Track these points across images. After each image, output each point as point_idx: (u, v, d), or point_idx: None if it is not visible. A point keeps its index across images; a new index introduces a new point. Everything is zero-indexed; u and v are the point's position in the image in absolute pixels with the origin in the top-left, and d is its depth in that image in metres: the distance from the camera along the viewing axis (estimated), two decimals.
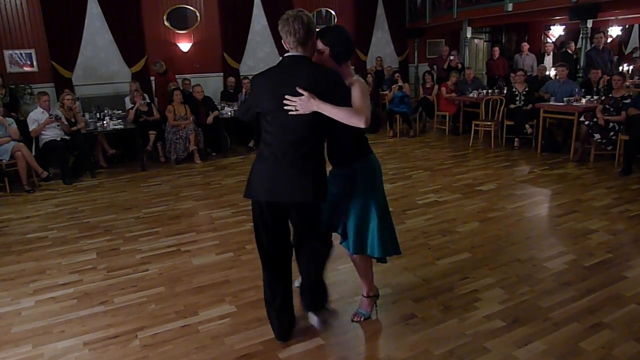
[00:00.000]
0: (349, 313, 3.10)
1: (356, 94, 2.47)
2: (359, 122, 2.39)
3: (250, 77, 9.45)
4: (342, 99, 2.43)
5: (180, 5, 9.99)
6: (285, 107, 2.39)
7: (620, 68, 9.64)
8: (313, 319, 2.90)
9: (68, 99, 7.20)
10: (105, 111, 7.97)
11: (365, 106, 2.44)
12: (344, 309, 3.16)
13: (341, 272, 3.69)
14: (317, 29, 2.53)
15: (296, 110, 2.38)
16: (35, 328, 3.07)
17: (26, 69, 9.00)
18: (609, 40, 11.10)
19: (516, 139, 7.85)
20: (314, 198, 2.49)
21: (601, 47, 8.61)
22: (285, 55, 2.51)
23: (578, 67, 8.68)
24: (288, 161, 2.45)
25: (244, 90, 9.29)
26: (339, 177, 2.69)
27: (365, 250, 2.80)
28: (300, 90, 2.37)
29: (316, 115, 2.39)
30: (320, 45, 2.56)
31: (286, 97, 2.38)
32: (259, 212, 2.59)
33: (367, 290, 3.03)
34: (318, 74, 2.47)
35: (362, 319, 3.01)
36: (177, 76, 9.66)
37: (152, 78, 9.71)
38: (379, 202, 2.74)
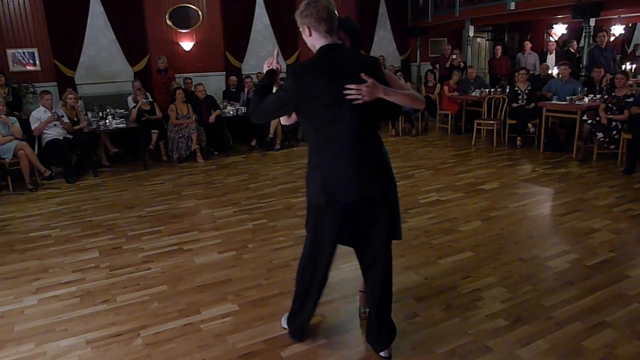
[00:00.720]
0: (351, 312, 3.10)
1: (395, 79, 2.45)
2: (421, 104, 2.43)
3: (252, 76, 9.58)
4: (385, 84, 2.32)
5: (183, 4, 9.99)
6: (348, 97, 2.20)
7: (623, 67, 9.60)
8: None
9: (70, 98, 7.21)
10: (108, 110, 7.97)
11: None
12: (345, 308, 3.16)
13: (344, 270, 3.69)
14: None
15: (362, 99, 2.21)
16: (38, 326, 3.08)
17: (29, 67, 9.01)
18: (612, 39, 11.07)
19: (518, 138, 7.84)
20: (388, 185, 2.46)
21: (604, 45, 8.59)
22: (324, 45, 2.29)
23: (581, 65, 8.65)
24: (363, 153, 2.32)
25: (246, 89, 9.30)
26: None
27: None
28: (365, 77, 2.21)
29: (378, 102, 2.27)
30: (341, 35, 2.46)
31: (348, 87, 2.19)
32: (329, 214, 2.38)
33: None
34: (365, 60, 2.38)
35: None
36: (178, 75, 9.66)
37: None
38: (395, 187, 2.62)
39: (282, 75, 2.59)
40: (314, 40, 2.32)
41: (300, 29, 2.33)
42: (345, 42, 2.47)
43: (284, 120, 2.57)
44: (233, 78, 9.75)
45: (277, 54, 2.58)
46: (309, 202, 2.52)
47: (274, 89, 2.50)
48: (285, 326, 2.87)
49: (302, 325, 2.76)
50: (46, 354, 2.79)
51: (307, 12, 2.25)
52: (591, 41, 8.39)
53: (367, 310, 2.73)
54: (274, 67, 2.50)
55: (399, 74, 9.73)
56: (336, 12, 2.32)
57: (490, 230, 4.43)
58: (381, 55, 11.90)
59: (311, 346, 2.76)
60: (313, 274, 2.58)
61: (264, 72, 2.53)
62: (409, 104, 2.38)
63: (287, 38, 10.85)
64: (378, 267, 2.51)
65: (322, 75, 2.24)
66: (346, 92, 2.20)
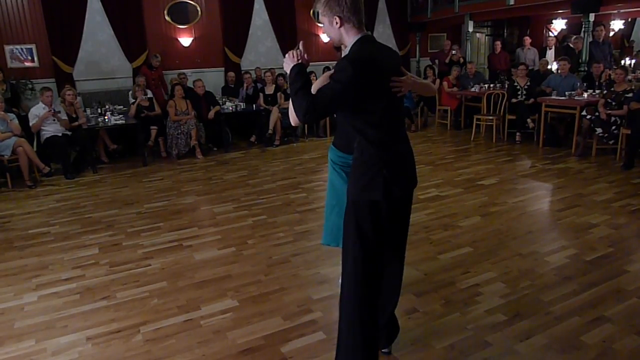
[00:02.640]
0: None
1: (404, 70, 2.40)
2: (434, 92, 2.69)
3: (251, 71, 9.56)
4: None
5: (181, 0, 9.96)
6: (393, 90, 2.16)
7: (623, 62, 9.58)
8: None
9: (69, 94, 7.20)
10: (107, 106, 7.96)
11: None
12: None
13: None
14: None
15: (402, 92, 2.20)
16: (38, 323, 3.09)
17: (27, 64, 8.98)
18: (611, 34, 11.03)
19: (518, 134, 7.84)
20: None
21: (601, 40, 8.56)
22: (360, 37, 2.14)
23: (580, 61, 8.64)
24: (408, 145, 2.32)
25: (245, 85, 9.28)
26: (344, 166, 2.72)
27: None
28: (404, 70, 2.24)
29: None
30: None
31: (393, 79, 2.15)
32: (384, 211, 2.17)
33: None
34: (396, 53, 2.36)
35: None
36: (177, 71, 9.64)
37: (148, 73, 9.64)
38: None
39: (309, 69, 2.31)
40: (346, 32, 2.15)
41: (325, 20, 2.17)
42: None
43: (293, 120, 2.23)
44: (231, 74, 9.73)
45: (303, 46, 2.24)
46: (355, 201, 2.20)
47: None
48: None
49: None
50: (46, 350, 2.80)
51: (340, 1, 2.09)
52: (590, 36, 8.36)
53: None
54: (303, 61, 2.17)
55: None
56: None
57: (490, 225, 4.44)
58: None
59: (311, 342, 2.76)
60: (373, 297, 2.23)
61: (289, 68, 2.15)
62: (428, 93, 2.59)
63: (286, 34, 10.83)
64: (398, 265, 2.48)
65: (375, 67, 2.11)
66: (392, 84, 2.15)
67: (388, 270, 2.41)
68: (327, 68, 10.48)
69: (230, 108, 8.36)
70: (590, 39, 8.43)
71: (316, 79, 2.44)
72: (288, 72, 2.16)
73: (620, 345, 2.63)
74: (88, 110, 7.98)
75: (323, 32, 11.52)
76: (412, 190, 2.33)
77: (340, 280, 2.40)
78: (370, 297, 2.21)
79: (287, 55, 2.19)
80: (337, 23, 2.12)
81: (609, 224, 4.37)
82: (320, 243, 3.49)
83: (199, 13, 10.16)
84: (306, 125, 8.79)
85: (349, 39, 2.16)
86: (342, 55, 2.17)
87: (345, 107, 2.15)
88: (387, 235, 2.26)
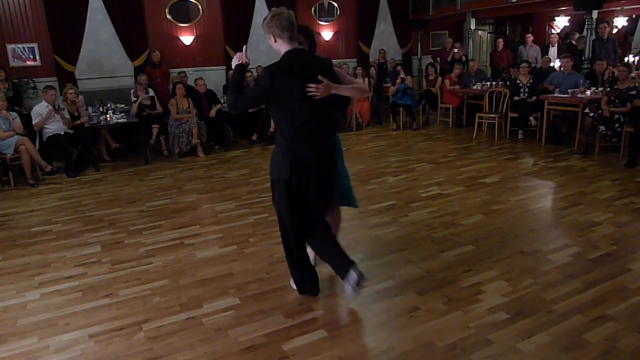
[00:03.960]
0: (352, 305, 3.11)
1: (344, 75, 2.97)
2: (366, 93, 3.13)
3: (252, 70, 9.55)
4: (338, 81, 2.87)
5: None
6: (308, 94, 2.71)
7: (626, 59, 9.54)
8: (352, 279, 2.90)
9: (71, 93, 7.20)
10: (109, 105, 7.96)
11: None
12: (347, 301, 3.16)
13: None
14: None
15: (319, 95, 2.72)
16: (41, 320, 3.09)
17: (29, 63, 8.99)
18: (614, 31, 10.99)
19: (520, 131, 7.82)
20: (335, 162, 3.05)
21: (605, 37, 8.50)
22: (288, 50, 2.76)
23: (583, 58, 8.61)
24: (322, 135, 2.88)
25: (246, 83, 9.24)
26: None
27: (347, 203, 3.36)
28: (321, 78, 2.72)
29: (332, 96, 2.79)
30: (301, 39, 2.93)
31: (308, 85, 2.69)
32: (288, 184, 2.85)
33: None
34: (322, 62, 2.89)
35: None
36: (178, 69, 9.62)
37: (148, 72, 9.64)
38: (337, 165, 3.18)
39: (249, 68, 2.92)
40: (279, 46, 2.79)
41: (268, 36, 2.78)
42: (304, 44, 2.98)
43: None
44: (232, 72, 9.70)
45: (246, 50, 2.92)
46: (272, 178, 2.94)
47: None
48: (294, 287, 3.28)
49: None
50: (49, 347, 2.80)
51: (272, 23, 2.71)
52: (594, 33, 8.33)
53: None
54: (244, 62, 2.86)
55: (399, 67, 9.69)
56: (295, 21, 2.78)
57: (492, 223, 4.43)
58: (382, 49, 11.88)
59: (313, 340, 2.76)
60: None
61: (233, 66, 2.89)
62: (358, 95, 3.04)
63: None
64: (320, 224, 3.13)
65: (290, 74, 2.72)
66: (307, 89, 2.69)
67: (315, 227, 3.08)
68: None
69: None
70: (594, 37, 8.40)
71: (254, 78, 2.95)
72: (233, 68, 2.89)
73: (624, 344, 2.62)
74: (90, 109, 7.99)
75: (322, 31, 11.54)
76: (324, 173, 2.95)
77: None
78: (287, 238, 3.06)
79: (236, 55, 2.89)
80: (273, 39, 2.77)
81: (612, 222, 4.35)
82: None
83: (200, 11, 10.16)
84: None
85: (282, 50, 2.78)
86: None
87: (261, 103, 2.94)
88: (300, 205, 2.93)
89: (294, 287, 3.26)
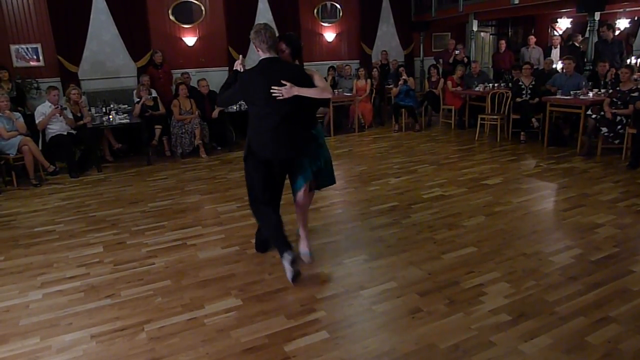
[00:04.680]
0: (354, 306, 3.11)
1: (318, 77, 3.44)
2: (328, 94, 3.46)
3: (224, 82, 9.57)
4: (307, 84, 3.37)
5: (185, 0, 9.97)
6: (273, 95, 3.27)
7: (628, 61, 9.52)
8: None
9: (74, 94, 7.23)
10: (111, 105, 7.99)
11: (328, 84, 3.65)
12: (349, 303, 3.17)
13: (346, 265, 3.70)
14: (277, 35, 3.43)
15: (282, 96, 3.27)
16: (43, 321, 3.10)
17: (32, 63, 9.02)
18: (617, 32, 10.96)
19: (522, 133, 7.81)
20: (299, 154, 3.56)
21: (610, 39, 8.45)
22: (263, 58, 3.37)
23: (585, 60, 8.59)
24: (281, 131, 3.39)
25: None
26: (310, 138, 3.64)
27: (321, 185, 3.87)
28: (284, 82, 3.26)
29: (296, 97, 3.31)
30: (282, 46, 3.47)
31: (273, 87, 3.25)
32: (259, 168, 3.50)
33: (306, 231, 3.86)
34: (290, 68, 3.44)
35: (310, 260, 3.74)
36: (181, 70, 9.64)
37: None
38: (326, 150, 3.80)
39: None
40: (260, 54, 3.39)
41: (253, 45, 3.39)
42: (285, 50, 3.49)
43: None
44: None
45: (242, 59, 3.55)
46: (245, 161, 3.64)
47: None
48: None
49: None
50: (51, 348, 2.81)
51: (254, 37, 3.33)
52: (596, 35, 8.30)
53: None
54: (239, 69, 3.49)
55: (401, 69, 9.69)
56: (275, 34, 3.38)
57: (494, 225, 4.42)
58: (384, 50, 11.89)
59: (315, 341, 2.76)
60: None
61: (233, 69, 3.59)
62: (318, 96, 3.41)
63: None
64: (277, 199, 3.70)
65: (258, 78, 3.35)
66: (272, 91, 3.26)
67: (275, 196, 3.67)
68: (332, 67, 10.48)
69: (234, 107, 8.36)
70: (596, 39, 8.38)
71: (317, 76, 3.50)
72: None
73: (626, 346, 2.61)
74: (93, 110, 8.00)
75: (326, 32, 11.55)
76: (283, 159, 3.52)
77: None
78: (255, 203, 3.63)
79: (237, 61, 3.54)
80: (256, 49, 3.39)
81: (615, 223, 4.34)
82: (324, 242, 4.03)
83: (203, 12, 10.17)
84: None
85: (260, 57, 3.39)
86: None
87: (237, 101, 4.19)
88: (263, 178, 3.52)
89: (289, 258, 3.44)
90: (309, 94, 3.36)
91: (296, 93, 3.29)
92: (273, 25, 10.61)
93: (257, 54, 3.41)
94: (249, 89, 3.38)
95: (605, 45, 8.33)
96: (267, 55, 3.36)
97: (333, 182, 3.92)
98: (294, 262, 3.34)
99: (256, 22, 10.37)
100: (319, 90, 3.40)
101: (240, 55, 3.66)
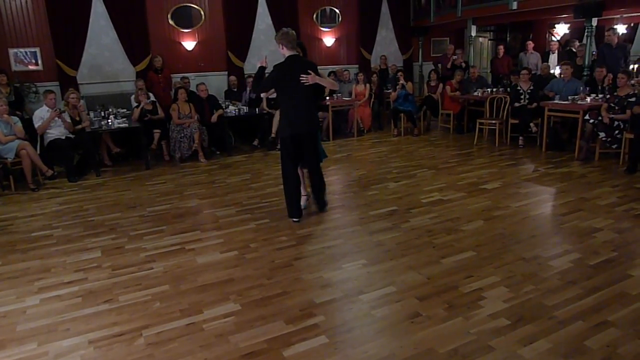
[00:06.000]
0: (353, 311, 3.11)
1: (323, 74, 4.78)
2: (337, 87, 5.37)
3: (254, 75, 9.59)
4: (319, 76, 4.62)
5: (185, 4, 9.98)
6: (301, 81, 4.47)
7: (631, 67, 9.53)
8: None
9: (73, 98, 7.22)
10: (110, 110, 7.98)
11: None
12: (348, 307, 3.16)
13: (346, 270, 3.70)
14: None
15: (308, 82, 4.48)
16: (40, 326, 3.08)
17: (31, 67, 9.01)
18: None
19: (521, 138, 7.82)
20: (316, 128, 4.87)
21: (615, 43, 8.43)
22: (289, 55, 4.56)
23: (583, 65, 8.61)
24: (305, 110, 4.61)
25: (248, 88, 9.30)
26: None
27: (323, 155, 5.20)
28: (309, 71, 4.50)
29: (314, 84, 4.56)
30: (297, 49, 4.67)
31: (301, 76, 4.47)
32: (288, 142, 4.62)
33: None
34: (309, 62, 4.74)
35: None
36: (180, 75, 9.65)
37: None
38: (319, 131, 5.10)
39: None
40: (285, 52, 4.55)
41: (278, 46, 4.58)
42: (300, 52, 4.72)
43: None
44: (233, 78, 9.77)
45: (266, 58, 4.87)
46: (280, 136, 4.88)
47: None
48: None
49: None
50: (48, 353, 2.79)
51: (282, 37, 4.53)
52: (593, 41, 8.32)
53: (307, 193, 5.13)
54: (264, 65, 4.79)
55: (399, 73, 9.71)
56: (296, 37, 4.64)
57: (493, 229, 4.42)
58: (383, 55, 11.92)
59: (314, 346, 2.75)
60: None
61: (257, 67, 4.83)
62: (330, 86, 5.15)
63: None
64: (312, 169, 4.89)
65: (288, 69, 4.54)
66: (300, 78, 4.47)
67: (309, 171, 4.94)
68: (332, 72, 10.48)
69: (234, 112, 8.37)
70: (593, 44, 8.38)
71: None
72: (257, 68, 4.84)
73: (625, 350, 2.61)
74: (91, 114, 8.01)
75: (325, 37, 11.58)
76: (303, 135, 4.61)
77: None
78: (287, 176, 4.76)
79: (261, 60, 4.86)
80: (281, 47, 4.56)
81: (613, 228, 4.35)
82: (323, 247, 4.07)
83: (203, 17, 10.19)
84: None
85: (286, 55, 4.56)
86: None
87: (271, 87, 4.79)
88: (296, 153, 4.67)
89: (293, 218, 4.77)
90: (325, 83, 4.83)
91: (317, 81, 4.54)
92: (272, 29, 10.79)
93: (279, 51, 4.58)
94: (282, 78, 4.52)
95: (610, 49, 8.32)
96: (291, 53, 4.54)
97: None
98: (296, 221, 4.73)
99: (255, 27, 10.66)
100: (331, 82, 5.18)
101: (265, 55, 5.11)
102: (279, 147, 9.05)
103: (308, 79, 4.43)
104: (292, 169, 4.68)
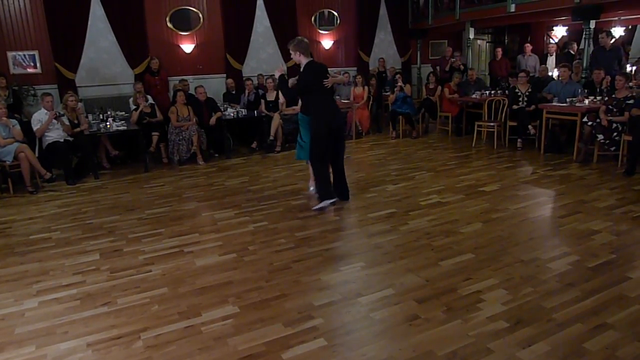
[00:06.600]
0: (351, 314, 3.11)
1: (331, 75, 5.30)
2: (345, 80, 7.74)
3: (253, 78, 9.63)
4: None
5: (183, 7, 10.01)
6: (324, 84, 5.02)
7: (628, 68, 9.55)
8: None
9: (71, 100, 7.22)
10: (109, 112, 7.98)
11: None
12: (346, 310, 3.16)
13: (344, 272, 3.69)
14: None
15: (328, 85, 5.07)
16: (39, 329, 3.08)
17: (29, 70, 9.02)
18: (612, 40, 11.02)
19: (519, 140, 7.84)
20: (343, 121, 5.97)
21: (608, 46, 8.46)
22: (309, 60, 5.08)
23: (580, 67, 8.63)
24: (333, 106, 5.25)
25: (246, 91, 9.31)
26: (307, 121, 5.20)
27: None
28: (329, 75, 5.13)
29: (332, 86, 5.26)
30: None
31: (324, 80, 5.03)
32: (325, 134, 5.02)
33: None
34: (325, 67, 5.23)
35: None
36: (178, 77, 9.66)
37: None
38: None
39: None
40: (302, 59, 5.04)
41: (292, 53, 5.06)
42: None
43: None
44: (230, 80, 9.80)
45: (283, 64, 6.83)
46: (315, 133, 5.08)
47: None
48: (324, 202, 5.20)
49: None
50: (47, 356, 2.79)
51: (298, 45, 5.00)
52: (591, 43, 8.35)
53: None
54: (283, 72, 5.28)
55: (398, 76, 9.73)
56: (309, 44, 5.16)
57: (491, 232, 4.43)
58: (382, 58, 11.94)
59: (312, 348, 2.75)
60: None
61: (277, 76, 5.31)
62: (340, 82, 7.77)
63: (287, 40, 10.79)
64: (337, 160, 5.35)
65: (314, 73, 5.04)
66: (323, 82, 5.02)
67: (333, 161, 5.32)
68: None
69: (232, 114, 8.38)
70: (591, 47, 8.41)
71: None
72: (277, 77, 5.34)
73: (623, 352, 2.61)
74: (90, 116, 8.00)
75: (323, 39, 11.61)
76: (336, 127, 5.14)
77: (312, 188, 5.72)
78: (319, 160, 5.18)
79: (277, 70, 5.33)
80: (297, 54, 5.02)
81: (611, 230, 4.36)
82: (321, 249, 3.99)
83: (201, 20, 10.21)
84: None
85: (303, 61, 5.06)
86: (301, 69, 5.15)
87: (307, 90, 5.08)
88: (327, 145, 5.10)
89: (327, 203, 5.19)
90: (338, 81, 6.39)
91: (335, 82, 5.57)
92: (270, 32, 10.83)
93: (295, 58, 5.08)
94: (311, 81, 5.01)
95: (602, 52, 8.36)
96: (309, 59, 5.06)
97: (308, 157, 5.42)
98: (333, 204, 5.21)
99: (254, 30, 10.69)
100: (341, 78, 6.41)
101: (282, 63, 5.89)
102: (277, 149, 9.33)
103: (329, 81, 5.06)
104: (326, 160, 5.18)
